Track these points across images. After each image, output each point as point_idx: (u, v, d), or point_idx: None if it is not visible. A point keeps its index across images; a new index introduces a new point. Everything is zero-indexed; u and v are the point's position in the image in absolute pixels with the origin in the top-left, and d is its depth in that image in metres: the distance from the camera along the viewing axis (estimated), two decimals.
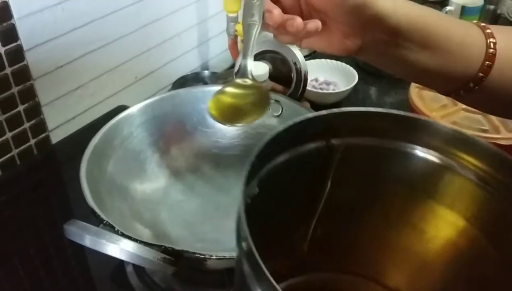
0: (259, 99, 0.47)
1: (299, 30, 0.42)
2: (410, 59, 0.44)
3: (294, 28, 0.42)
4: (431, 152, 0.39)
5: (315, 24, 0.43)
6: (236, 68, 0.64)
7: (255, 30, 0.45)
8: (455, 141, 0.38)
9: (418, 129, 0.39)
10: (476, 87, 0.44)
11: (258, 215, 0.33)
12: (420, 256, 0.42)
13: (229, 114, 0.47)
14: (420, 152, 0.40)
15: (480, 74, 0.44)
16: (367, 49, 0.44)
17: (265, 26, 0.45)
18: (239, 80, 0.47)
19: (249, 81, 0.47)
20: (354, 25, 0.42)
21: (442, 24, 0.44)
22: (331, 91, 0.92)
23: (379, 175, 0.41)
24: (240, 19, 0.93)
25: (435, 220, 0.41)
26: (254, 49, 0.46)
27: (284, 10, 0.44)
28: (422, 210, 0.41)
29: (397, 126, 0.39)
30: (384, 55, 0.45)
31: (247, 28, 0.46)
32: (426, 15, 0.44)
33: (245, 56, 0.46)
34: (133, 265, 0.55)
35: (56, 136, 0.78)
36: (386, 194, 0.42)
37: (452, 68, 0.44)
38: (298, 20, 0.42)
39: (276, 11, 0.43)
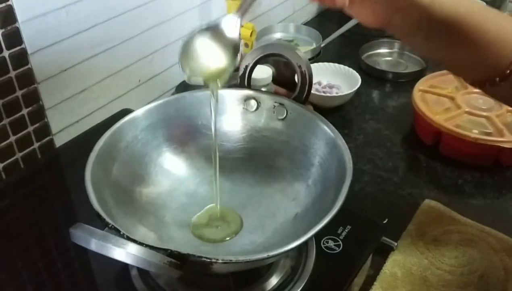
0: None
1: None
2: (439, 46, 0.44)
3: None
4: None
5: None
6: (240, 72, 0.64)
7: None
8: None
9: None
10: (502, 83, 0.44)
11: None
12: None
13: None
14: None
15: (508, 71, 0.43)
16: (396, 27, 0.45)
17: None
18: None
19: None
20: (389, 4, 0.44)
21: (477, 17, 0.43)
22: (334, 94, 0.92)
23: None
24: (243, 22, 0.93)
25: None
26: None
27: None
28: None
29: None
30: (414, 36, 0.45)
31: None
32: (461, 6, 0.43)
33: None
34: (138, 268, 0.55)
35: (60, 140, 0.78)
36: None
37: (480, 61, 0.44)
38: None
39: None
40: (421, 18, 0.43)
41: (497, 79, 0.44)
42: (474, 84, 0.47)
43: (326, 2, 0.46)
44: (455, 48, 0.44)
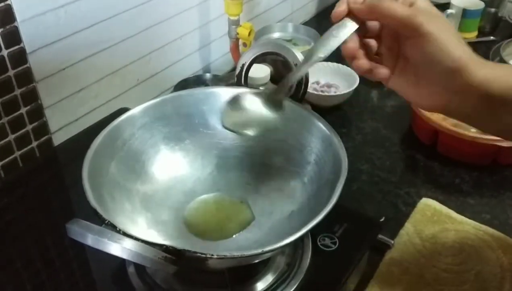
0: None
1: (385, 78, 0.46)
2: (501, 120, 0.44)
3: (381, 76, 0.46)
4: None
5: (384, 71, 0.46)
6: (237, 71, 0.64)
7: (312, 61, 0.47)
8: None
9: None
10: None
11: None
12: None
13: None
14: None
15: None
16: (456, 110, 0.45)
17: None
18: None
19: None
20: (444, 88, 0.43)
21: None
22: (332, 94, 0.93)
23: None
24: (242, 22, 0.94)
25: None
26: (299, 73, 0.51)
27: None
28: None
29: None
30: (473, 115, 0.45)
31: (308, 58, 0.47)
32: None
33: (294, 73, 0.51)
34: (135, 265, 0.55)
35: (58, 139, 0.78)
36: None
37: None
38: (384, 71, 0.46)
39: (362, 61, 0.45)
40: (484, 99, 0.42)
41: None
42: None
43: (368, 74, 0.46)
44: None
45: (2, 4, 0.63)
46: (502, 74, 0.43)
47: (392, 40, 0.46)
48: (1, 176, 0.72)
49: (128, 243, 0.41)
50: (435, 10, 0.43)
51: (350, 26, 0.44)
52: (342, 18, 0.44)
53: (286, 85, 0.50)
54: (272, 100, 0.51)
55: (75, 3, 0.72)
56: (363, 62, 0.45)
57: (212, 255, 0.42)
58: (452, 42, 0.42)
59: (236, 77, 0.64)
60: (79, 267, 0.60)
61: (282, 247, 0.43)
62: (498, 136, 0.50)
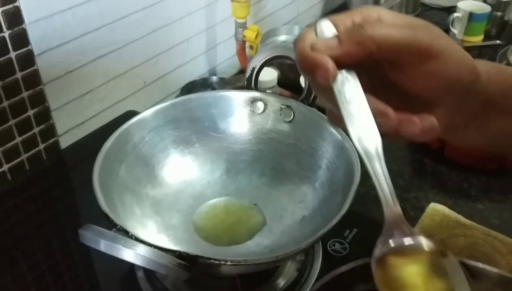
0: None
1: (419, 133, 0.32)
2: (489, 127, 0.38)
3: (416, 133, 0.32)
4: None
5: (430, 122, 0.32)
6: (247, 74, 0.63)
7: (377, 152, 0.31)
8: None
9: None
10: None
11: None
12: None
13: None
14: None
15: None
16: (453, 127, 0.36)
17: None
18: (400, 242, 0.32)
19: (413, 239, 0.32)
20: (454, 106, 0.34)
21: None
22: None
23: None
24: (248, 25, 0.93)
25: None
26: (389, 181, 0.31)
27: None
28: None
29: None
30: (467, 129, 0.37)
31: (368, 154, 0.31)
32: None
33: (387, 204, 0.32)
34: (144, 270, 0.55)
35: (65, 142, 0.78)
36: None
37: None
38: (416, 122, 0.32)
39: (390, 111, 0.31)
40: (481, 104, 0.36)
41: None
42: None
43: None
44: (507, 122, 0.38)
45: (11, 6, 0.63)
46: (494, 71, 0.37)
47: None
48: (8, 178, 0.72)
49: (142, 249, 0.41)
50: (415, 19, 0.34)
51: (352, 78, 0.32)
52: (336, 76, 0.32)
53: None
54: None
55: (82, 5, 0.72)
56: (393, 115, 0.32)
57: (226, 261, 0.42)
58: (461, 52, 0.34)
59: (246, 81, 0.64)
60: (86, 271, 0.60)
61: (296, 252, 0.43)
62: (487, 148, 0.44)
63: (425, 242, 0.31)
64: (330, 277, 0.40)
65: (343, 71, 0.32)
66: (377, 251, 0.31)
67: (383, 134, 0.31)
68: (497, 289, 0.35)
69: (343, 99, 0.31)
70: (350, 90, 0.32)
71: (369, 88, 0.32)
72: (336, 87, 0.32)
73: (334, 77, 0.31)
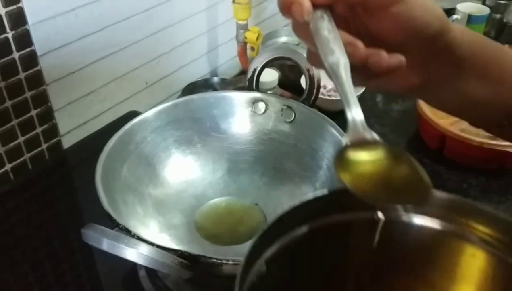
0: (411, 173, 0.32)
1: (386, 67, 0.35)
2: (463, 90, 0.40)
3: (382, 66, 0.35)
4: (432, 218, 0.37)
5: (398, 59, 0.35)
6: (249, 75, 0.64)
7: (345, 68, 0.34)
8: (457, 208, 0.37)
9: None
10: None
11: None
12: None
13: (377, 189, 0.33)
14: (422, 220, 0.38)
15: None
16: (429, 85, 0.39)
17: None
18: (359, 140, 0.33)
19: (370, 140, 0.33)
20: (425, 56, 0.38)
21: (497, 52, 0.41)
22: (339, 98, 0.92)
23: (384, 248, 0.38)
24: (249, 27, 0.94)
25: (453, 282, 0.39)
26: (353, 93, 0.33)
27: None
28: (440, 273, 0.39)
29: None
30: (442, 89, 0.40)
31: (334, 69, 0.34)
32: (485, 44, 0.40)
33: (348, 106, 0.33)
34: (146, 269, 0.56)
35: (67, 141, 0.78)
36: (403, 263, 0.39)
37: (503, 98, 0.41)
38: (385, 55, 0.35)
39: (360, 43, 0.35)
40: (456, 62, 0.38)
41: (505, 122, 0.42)
42: (490, 127, 0.44)
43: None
44: (480, 88, 0.40)
45: (14, 7, 0.64)
46: (471, 33, 0.39)
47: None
48: (11, 178, 0.72)
49: (144, 249, 0.41)
50: None
51: (327, 16, 0.35)
52: (312, 13, 0.35)
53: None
54: None
55: (85, 7, 0.72)
56: (362, 47, 0.35)
57: (228, 260, 0.42)
58: (430, 1, 0.36)
59: (248, 82, 0.64)
60: (89, 270, 0.60)
61: None
62: (457, 114, 0.45)
63: (383, 142, 0.34)
64: None
65: (319, 10, 0.35)
66: (338, 150, 0.34)
67: (352, 66, 0.34)
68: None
69: (318, 33, 0.35)
70: (325, 27, 0.35)
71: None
72: (313, 24, 0.35)
73: (309, 13, 0.34)
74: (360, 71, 0.35)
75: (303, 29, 0.36)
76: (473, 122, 0.45)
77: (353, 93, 0.33)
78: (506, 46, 0.44)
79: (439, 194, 0.36)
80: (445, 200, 0.37)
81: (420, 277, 0.40)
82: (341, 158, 0.33)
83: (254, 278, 0.33)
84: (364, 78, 0.36)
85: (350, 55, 0.34)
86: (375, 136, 0.34)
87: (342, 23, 0.36)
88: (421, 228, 0.38)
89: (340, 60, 0.34)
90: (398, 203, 0.35)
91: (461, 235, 0.37)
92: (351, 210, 0.37)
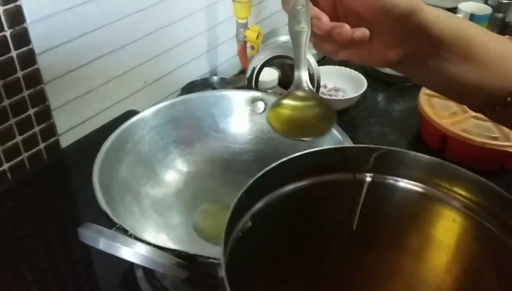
0: (323, 112, 0.40)
1: (347, 38, 0.40)
2: (449, 72, 0.43)
3: (343, 36, 0.40)
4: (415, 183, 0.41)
5: (362, 32, 0.40)
6: (248, 74, 0.64)
7: (305, 37, 0.40)
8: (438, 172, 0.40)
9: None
10: (503, 110, 0.43)
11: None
12: (424, 283, 0.43)
13: (292, 128, 0.40)
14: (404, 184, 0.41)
15: (509, 99, 0.43)
16: (407, 61, 0.43)
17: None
18: (297, 93, 0.40)
19: (307, 93, 0.40)
20: (399, 34, 0.41)
21: (482, 36, 0.43)
22: (340, 98, 0.92)
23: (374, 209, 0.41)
24: (249, 25, 0.94)
25: (431, 247, 0.42)
26: (305, 58, 0.40)
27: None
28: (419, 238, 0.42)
29: None
30: (423, 67, 0.43)
31: (296, 36, 0.40)
32: (467, 27, 0.43)
33: (298, 67, 0.40)
34: (143, 269, 0.55)
35: (65, 141, 0.78)
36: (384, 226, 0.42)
37: (489, 81, 0.43)
38: (347, 28, 0.40)
39: (325, 18, 0.40)
40: (432, 41, 0.41)
41: (509, 99, 0.43)
42: (484, 110, 0.46)
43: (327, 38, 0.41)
44: (465, 70, 0.43)
45: (12, 5, 0.63)
46: (444, 15, 0.42)
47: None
48: (8, 177, 0.72)
49: (141, 248, 0.41)
50: None
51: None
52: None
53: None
54: None
55: (83, 5, 0.72)
56: (325, 20, 0.40)
57: None
58: None
59: (247, 81, 0.64)
60: (86, 270, 0.60)
61: None
62: (448, 95, 0.49)
63: (316, 94, 0.41)
64: None
65: None
66: (276, 100, 0.41)
67: (317, 37, 0.41)
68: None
69: (293, 7, 0.41)
70: (299, 2, 0.41)
71: (333, 18, 0.41)
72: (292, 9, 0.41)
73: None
74: (329, 41, 0.41)
75: (287, 2, 0.42)
76: (468, 106, 0.48)
77: (306, 58, 0.40)
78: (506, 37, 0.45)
79: (423, 158, 0.40)
80: (429, 163, 0.40)
81: (400, 242, 0.43)
82: (275, 106, 0.40)
83: (239, 234, 0.35)
84: (336, 48, 0.42)
85: (314, 27, 0.40)
86: (313, 90, 0.40)
87: (329, 3, 0.42)
88: (405, 191, 0.41)
89: (304, 29, 0.40)
90: (307, 137, 0.40)
91: (443, 199, 0.41)
92: (338, 171, 0.41)
